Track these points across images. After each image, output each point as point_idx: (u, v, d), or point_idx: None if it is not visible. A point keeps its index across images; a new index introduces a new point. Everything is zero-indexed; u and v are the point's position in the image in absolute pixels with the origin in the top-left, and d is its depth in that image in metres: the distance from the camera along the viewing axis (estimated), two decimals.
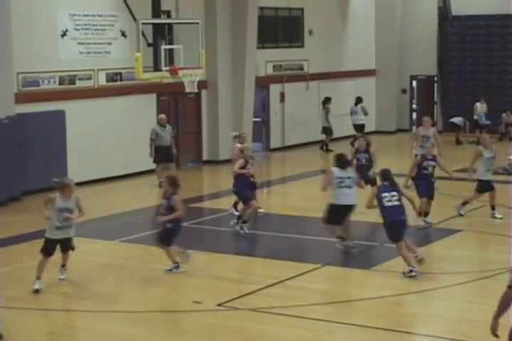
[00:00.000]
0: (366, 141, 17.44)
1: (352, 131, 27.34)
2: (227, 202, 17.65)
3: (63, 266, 12.30)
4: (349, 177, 13.79)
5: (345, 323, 10.45)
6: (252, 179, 15.48)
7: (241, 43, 24.20)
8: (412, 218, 15.92)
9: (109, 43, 21.22)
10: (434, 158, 16.08)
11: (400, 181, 15.13)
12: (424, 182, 15.89)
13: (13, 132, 18.35)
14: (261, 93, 26.38)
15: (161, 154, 20.24)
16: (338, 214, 13.73)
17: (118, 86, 21.46)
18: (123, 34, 21.43)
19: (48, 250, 11.89)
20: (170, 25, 18.04)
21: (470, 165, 16.81)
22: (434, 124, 30.47)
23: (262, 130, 26.58)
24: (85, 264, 13.38)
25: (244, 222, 15.08)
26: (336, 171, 13.78)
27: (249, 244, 14.95)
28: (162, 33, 17.76)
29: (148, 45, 17.60)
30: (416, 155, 18.31)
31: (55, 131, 19.78)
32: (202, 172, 23.58)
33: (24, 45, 19.05)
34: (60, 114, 19.94)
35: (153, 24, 17.84)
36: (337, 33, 29.41)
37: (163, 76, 18.57)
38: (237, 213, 16.22)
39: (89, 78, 20.79)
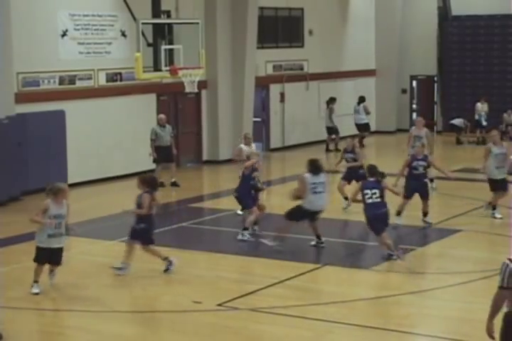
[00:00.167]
0: (353, 142, 17.70)
1: (353, 131, 27.39)
2: (227, 202, 17.65)
3: (51, 271, 11.94)
4: (322, 183, 14.00)
5: (345, 323, 10.45)
6: (258, 185, 15.43)
7: (241, 43, 24.20)
8: (413, 218, 15.97)
9: (109, 43, 21.22)
10: (424, 158, 16.04)
11: (392, 180, 15.24)
12: (414, 183, 15.86)
13: (13, 132, 18.35)
14: (261, 93, 26.38)
15: (161, 154, 20.24)
16: (304, 216, 14.03)
17: (118, 86, 21.46)
18: (123, 34, 21.43)
19: (41, 259, 11.68)
20: (170, 25, 18.04)
21: (483, 163, 16.67)
22: (434, 124, 30.69)
23: (262, 130, 26.58)
24: (85, 264, 13.38)
25: (245, 228, 14.97)
26: (309, 177, 13.96)
27: (250, 244, 14.93)
28: (162, 33, 17.76)
29: (148, 45, 17.60)
30: (408, 155, 18.35)
31: (55, 131, 19.78)
32: (202, 172, 23.58)
33: (24, 45, 19.05)
34: (60, 114, 19.94)
35: (153, 24, 17.84)
36: (337, 33, 29.41)
37: (163, 76, 18.57)
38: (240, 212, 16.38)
39: (89, 78, 20.79)
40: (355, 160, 17.29)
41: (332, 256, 13.93)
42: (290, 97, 27.26)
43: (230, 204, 17.00)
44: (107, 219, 16.72)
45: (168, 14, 18.99)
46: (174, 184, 20.41)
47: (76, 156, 20.32)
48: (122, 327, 10.62)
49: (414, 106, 31.75)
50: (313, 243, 14.31)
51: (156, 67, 17.58)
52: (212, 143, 24.41)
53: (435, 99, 31.40)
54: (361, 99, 27.98)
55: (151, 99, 22.64)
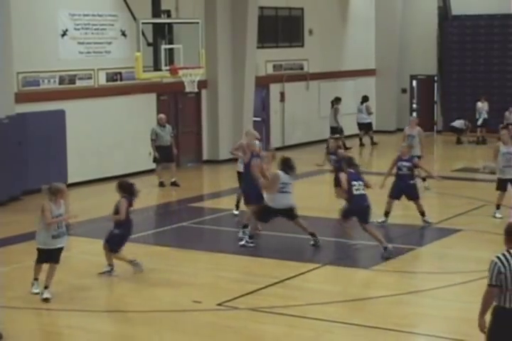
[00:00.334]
0: (336, 143, 17.49)
1: (353, 130, 27.40)
2: (227, 202, 17.66)
3: (46, 287, 11.43)
4: (290, 183, 14.13)
5: (345, 323, 10.45)
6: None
7: (241, 43, 24.20)
8: (412, 218, 15.98)
9: (109, 43, 21.22)
10: (409, 159, 15.85)
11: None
12: (399, 183, 15.77)
13: (13, 132, 18.35)
14: (261, 93, 26.37)
15: (162, 154, 20.25)
16: (269, 215, 14.15)
17: (118, 85, 21.46)
18: (123, 34, 21.44)
19: (41, 260, 11.55)
20: (170, 24, 18.04)
21: (495, 163, 16.61)
22: (434, 124, 30.72)
23: (262, 130, 26.56)
24: (85, 264, 13.38)
25: (245, 226, 14.93)
26: (282, 175, 14.06)
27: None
28: (162, 33, 17.76)
29: (148, 44, 17.59)
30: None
31: (55, 131, 19.78)
32: (202, 172, 23.58)
33: (24, 44, 19.05)
34: (60, 114, 19.95)
35: (153, 24, 17.84)
36: (337, 32, 29.41)
37: (163, 76, 18.57)
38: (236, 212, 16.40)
39: (90, 78, 20.79)
40: (337, 161, 16.70)
41: (332, 256, 13.94)
42: (290, 97, 27.26)
43: (230, 203, 17.02)
44: (106, 218, 16.69)
45: (168, 14, 18.99)
46: (174, 184, 20.41)
47: (76, 156, 20.32)
48: (122, 327, 10.63)
49: (414, 105, 31.75)
50: (312, 242, 14.32)
51: (156, 67, 17.58)
52: (212, 142, 24.41)
53: (435, 99, 31.40)
54: (364, 99, 28.05)
55: (151, 98, 22.63)
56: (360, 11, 30.37)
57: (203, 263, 13.53)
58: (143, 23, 17.28)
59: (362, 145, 27.73)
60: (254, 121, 25.13)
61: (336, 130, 26.91)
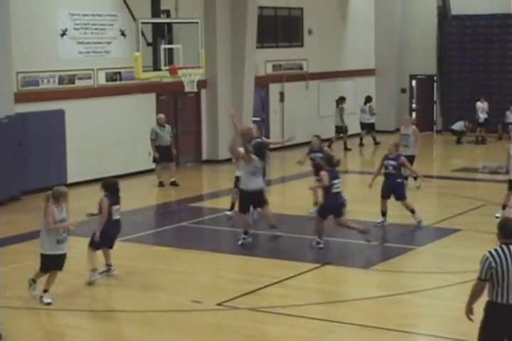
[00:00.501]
0: (320, 141, 17.04)
1: (355, 130, 27.42)
2: (226, 202, 17.63)
3: (46, 291, 11.30)
4: (261, 168, 14.48)
5: (344, 323, 10.45)
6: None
7: (240, 43, 24.20)
8: (411, 218, 15.97)
9: (109, 43, 21.22)
10: (395, 158, 15.68)
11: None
12: (387, 182, 15.72)
13: (12, 132, 18.35)
14: (260, 92, 26.38)
15: (161, 154, 20.25)
16: (245, 201, 14.42)
17: (117, 85, 21.46)
18: (122, 33, 21.43)
19: (47, 267, 11.31)
20: (169, 24, 18.02)
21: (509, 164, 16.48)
22: (434, 123, 30.73)
23: (261, 129, 26.55)
24: (85, 264, 13.33)
25: (273, 226, 14.83)
26: (257, 160, 14.36)
27: (249, 244, 14.93)
28: (162, 33, 17.74)
29: (148, 44, 17.58)
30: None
31: (55, 131, 19.77)
32: (201, 172, 23.58)
33: (24, 44, 19.05)
34: (60, 114, 19.94)
35: (153, 23, 17.83)
36: (336, 32, 29.41)
37: (163, 75, 18.56)
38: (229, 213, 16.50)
39: (89, 77, 20.79)
40: (322, 158, 16.05)
41: (332, 256, 13.94)
42: (290, 97, 27.26)
43: (230, 203, 16.99)
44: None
45: (167, 14, 18.96)
46: (174, 183, 20.41)
47: (76, 156, 20.32)
48: (122, 327, 10.63)
49: (413, 105, 31.76)
50: (275, 234, 14.54)
51: (156, 67, 17.56)
52: (211, 142, 24.41)
53: (435, 99, 31.41)
54: (368, 99, 28.08)
55: (151, 98, 22.63)
56: (360, 11, 30.37)
57: (203, 263, 13.52)
58: (142, 23, 17.27)
59: (362, 145, 27.74)
60: (254, 121, 25.13)
61: (341, 129, 26.96)
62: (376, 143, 27.82)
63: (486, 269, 7.64)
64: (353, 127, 28.00)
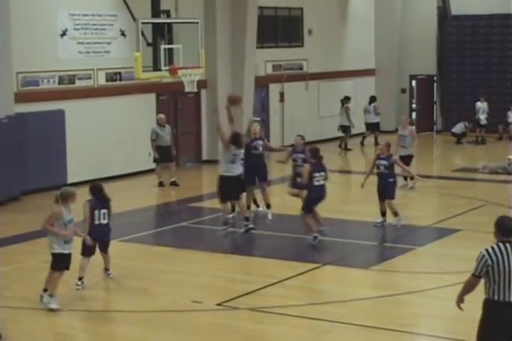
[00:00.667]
0: (303, 141, 16.60)
1: (357, 130, 27.43)
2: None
3: (46, 290, 11.24)
4: (239, 155, 15.06)
5: (344, 323, 10.45)
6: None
7: (240, 43, 24.19)
8: (411, 218, 15.97)
9: (109, 43, 21.22)
10: (387, 158, 15.60)
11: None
12: (379, 182, 15.66)
13: (12, 132, 18.35)
14: (260, 93, 26.38)
15: (161, 154, 20.25)
16: (229, 186, 14.87)
17: (117, 85, 21.46)
18: (122, 34, 21.43)
19: (61, 266, 11.11)
20: (169, 24, 18.03)
21: None
22: (434, 123, 30.73)
23: (261, 130, 26.52)
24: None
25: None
26: (234, 148, 14.90)
27: (249, 244, 14.94)
28: (162, 33, 17.75)
29: (148, 44, 17.59)
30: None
31: (55, 131, 19.77)
32: (201, 172, 23.58)
33: (24, 44, 19.05)
34: (60, 114, 19.94)
35: (153, 24, 17.84)
36: (336, 32, 29.41)
37: (163, 76, 18.57)
38: (261, 209, 16.65)
39: (89, 78, 20.79)
40: (305, 160, 15.68)
41: (331, 256, 13.94)
42: (290, 97, 27.25)
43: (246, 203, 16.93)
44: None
45: (167, 14, 18.98)
46: (174, 183, 20.42)
47: (76, 156, 20.31)
48: (122, 327, 10.63)
49: (413, 105, 31.75)
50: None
51: (156, 67, 17.57)
52: (211, 142, 24.39)
53: (435, 99, 31.41)
54: (372, 99, 28.10)
55: (151, 98, 22.63)
56: (360, 11, 30.37)
57: (203, 263, 13.52)
58: (142, 23, 17.28)
59: (362, 144, 27.72)
60: (254, 121, 25.10)
61: (347, 129, 26.98)
62: (376, 144, 27.79)
63: (481, 266, 7.71)
64: (356, 127, 27.99)
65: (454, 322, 10.48)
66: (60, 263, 11.15)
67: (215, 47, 23.68)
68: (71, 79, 20.34)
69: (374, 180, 15.83)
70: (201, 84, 21.46)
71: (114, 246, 14.32)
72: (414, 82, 31.62)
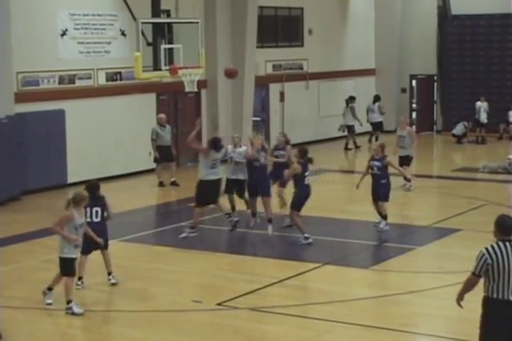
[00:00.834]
0: (284, 139, 16.73)
1: (357, 130, 27.45)
2: (226, 201, 17.62)
3: (51, 289, 11.26)
4: (219, 159, 15.25)
5: (344, 322, 10.45)
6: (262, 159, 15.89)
7: (241, 42, 24.19)
8: (411, 218, 15.97)
9: (109, 43, 21.22)
10: (380, 159, 15.41)
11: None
12: (373, 183, 15.48)
13: (12, 132, 18.35)
14: (261, 92, 26.38)
15: (162, 154, 20.26)
16: (208, 191, 14.86)
17: (118, 85, 21.46)
18: (123, 33, 21.43)
19: (68, 271, 10.98)
20: (170, 24, 18.03)
21: None
22: (434, 123, 30.73)
23: (262, 129, 26.54)
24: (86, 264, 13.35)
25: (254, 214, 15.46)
26: (213, 153, 15.06)
27: (249, 244, 14.94)
28: (162, 33, 17.75)
29: (148, 44, 17.59)
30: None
31: (55, 131, 19.77)
32: None
33: (24, 44, 19.05)
34: (60, 114, 19.95)
35: (153, 23, 17.83)
36: (337, 32, 29.41)
37: (163, 75, 18.56)
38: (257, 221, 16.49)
39: (89, 77, 20.79)
40: (284, 156, 16.00)
41: (332, 256, 13.93)
42: (290, 97, 27.25)
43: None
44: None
45: (167, 13, 19.00)
46: (174, 183, 20.42)
47: (76, 156, 20.31)
48: (122, 327, 10.62)
49: (413, 105, 31.75)
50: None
51: (156, 67, 17.56)
52: None
53: (435, 99, 31.41)
54: (376, 98, 28.10)
55: (151, 98, 22.63)
56: (360, 11, 30.37)
57: (203, 263, 13.52)
58: (142, 23, 17.27)
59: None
60: (254, 121, 25.14)
61: (351, 128, 26.98)
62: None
63: (481, 265, 7.73)
64: (356, 127, 28.01)
65: (454, 322, 10.48)
66: (70, 267, 11.06)
67: (215, 46, 23.68)
68: (71, 79, 20.34)
69: (370, 181, 15.85)
70: (201, 83, 21.46)
71: (115, 245, 14.32)
72: (414, 82, 31.63)
